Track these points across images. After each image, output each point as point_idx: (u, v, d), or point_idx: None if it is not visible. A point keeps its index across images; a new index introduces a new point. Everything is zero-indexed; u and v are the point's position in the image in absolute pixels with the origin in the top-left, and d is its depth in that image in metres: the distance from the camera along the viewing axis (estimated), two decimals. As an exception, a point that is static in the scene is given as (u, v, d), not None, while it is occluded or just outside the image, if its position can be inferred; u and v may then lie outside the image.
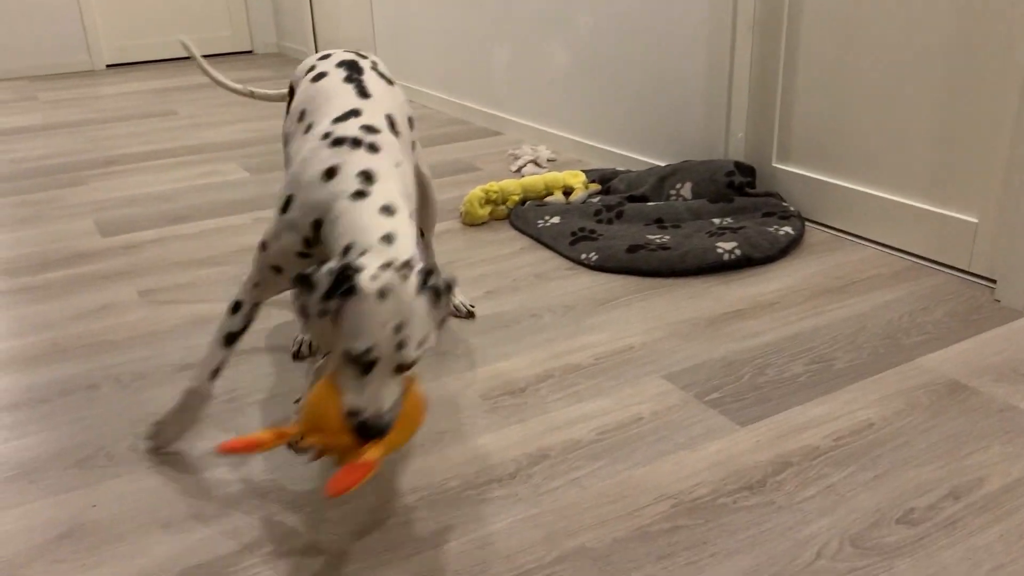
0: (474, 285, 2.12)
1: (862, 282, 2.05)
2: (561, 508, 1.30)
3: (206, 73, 1.97)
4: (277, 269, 1.33)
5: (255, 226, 2.61)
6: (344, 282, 1.08)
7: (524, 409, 1.57)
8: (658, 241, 2.22)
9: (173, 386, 1.68)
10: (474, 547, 1.22)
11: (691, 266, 2.12)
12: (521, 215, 2.52)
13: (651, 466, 1.39)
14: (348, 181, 1.23)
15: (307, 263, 1.27)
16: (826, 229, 2.39)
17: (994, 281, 1.98)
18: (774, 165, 2.51)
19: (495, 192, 2.57)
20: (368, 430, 1.09)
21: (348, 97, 1.40)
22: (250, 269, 1.38)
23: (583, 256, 2.22)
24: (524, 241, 2.41)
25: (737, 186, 2.46)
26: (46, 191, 3.05)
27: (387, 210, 1.20)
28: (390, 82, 1.53)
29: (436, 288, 1.14)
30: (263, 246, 1.33)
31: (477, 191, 2.55)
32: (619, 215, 2.43)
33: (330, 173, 1.24)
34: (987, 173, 1.98)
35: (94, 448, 1.49)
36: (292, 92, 1.62)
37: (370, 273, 1.09)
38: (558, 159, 3.24)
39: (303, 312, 1.12)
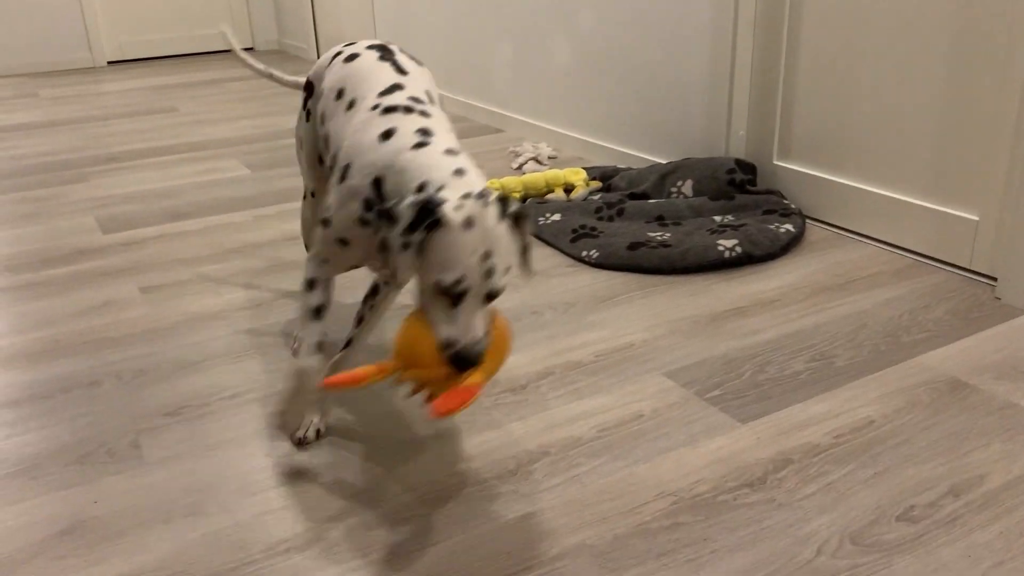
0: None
1: (863, 280, 2.05)
2: (562, 505, 1.30)
3: (245, 63, 1.96)
4: (343, 242, 1.32)
5: (256, 223, 2.61)
6: (427, 215, 1.09)
7: (525, 406, 1.57)
8: (659, 238, 2.22)
9: (174, 383, 1.68)
10: (475, 544, 1.22)
11: (692, 263, 2.12)
12: (522, 212, 2.51)
13: (652, 463, 1.39)
14: (407, 137, 1.24)
15: (370, 232, 1.26)
16: (827, 227, 2.39)
17: (995, 279, 1.98)
18: (775, 162, 2.51)
19: (496, 189, 2.57)
20: (464, 360, 1.10)
21: (388, 74, 1.42)
22: (315, 247, 1.38)
23: (584, 253, 2.22)
24: (525, 238, 2.41)
25: (738, 183, 2.46)
26: (47, 188, 3.06)
27: (451, 152, 1.22)
28: (419, 63, 1.55)
29: (517, 215, 1.16)
30: (326, 222, 1.32)
31: (478, 188, 2.55)
32: (620, 212, 2.43)
33: (387, 135, 1.26)
34: (988, 171, 1.98)
35: (95, 444, 1.49)
36: (310, 87, 1.61)
37: (453, 204, 1.10)
38: (559, 156, 3.24)
39: (384, 246, 1.12)
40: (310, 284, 1.39)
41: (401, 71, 1.44)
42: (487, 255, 1.10)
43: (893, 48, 2.11)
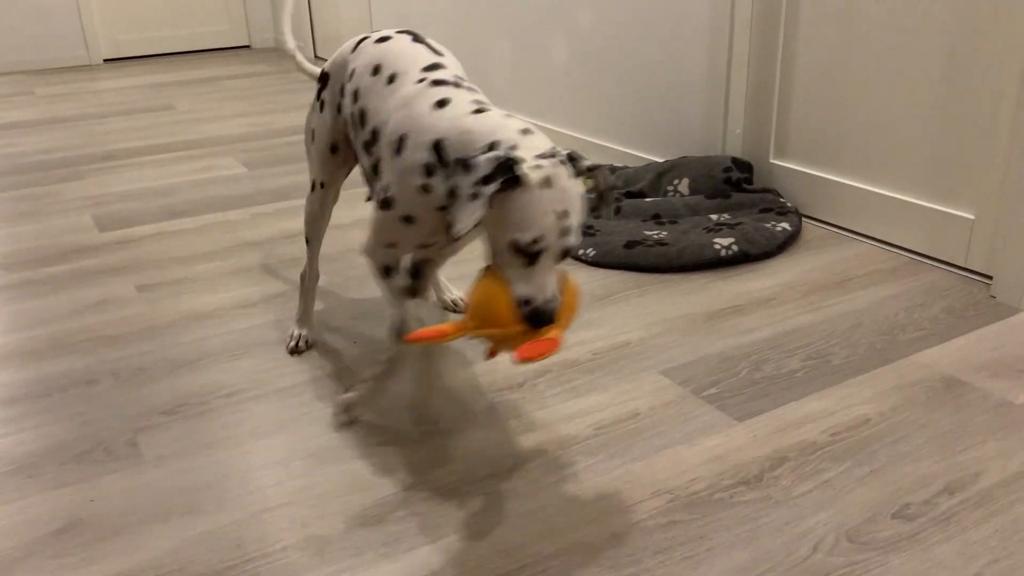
0: (471, 280, 2.12)
1: (859, 278, 2.05)
2: (558, 503, 1.30)
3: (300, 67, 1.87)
4: (407, 219, 1.28)
5: (253, 221, 2.61)
6: (505, 171, 1.08)
7: (521, 404, 1.57)
8: (655, 237, 2.23)
9: (172, 381, 1.68)
10: (471, 542, 1.23)
11: (688, 262, 2.12)
12: (519, 211, 2.52)
13: (648, 461, 1.40)
14: (465, 105, 1.24)
15: (430, 202, 1.24)
16: (823, 225, 2.39)
17: (990, 277, 1.99)
18: (771, 161, 2.51)
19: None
20: (540, 317, 1.12)
21: (425, 53, 1.41)
22: (374, 235, 1.34)
23: (580, 252, 2.22)
24: (522, 237, 2.41)
25: (734, 182, 2.46)
26: (43, 186, 3.05)
27: (510, 117, 1.21)
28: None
29: (591, 167, 1.18)
30: (386, 203, 1.29)
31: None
32: (616, 211, 2.43)
33: (442, 103, 1.25)
34: (984, 169, 1.98)
35: (92, 443, 1.49)
36: (325, 78, 1.58)
37: (531, 164, 1.10)
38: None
39: (452, 194, 1.10)
40: (386, 271, 1.37)
41: (437, 52, 1.43)
42: (563, 215, 1.11)
43: (889, 47, 2.11)
